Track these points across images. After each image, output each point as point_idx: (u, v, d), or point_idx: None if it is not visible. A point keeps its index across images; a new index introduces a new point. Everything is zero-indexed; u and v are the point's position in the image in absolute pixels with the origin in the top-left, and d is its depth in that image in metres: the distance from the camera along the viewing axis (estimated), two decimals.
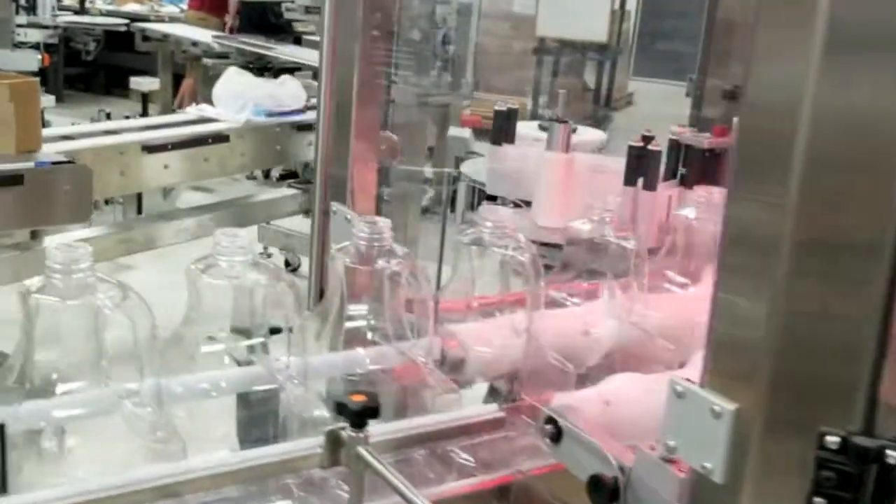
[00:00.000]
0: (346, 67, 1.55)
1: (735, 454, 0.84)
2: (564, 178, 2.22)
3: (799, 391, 0.82)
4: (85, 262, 0.97)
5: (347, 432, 0.95)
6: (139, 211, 4.42)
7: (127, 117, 5.82)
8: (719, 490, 0.86)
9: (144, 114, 6.74)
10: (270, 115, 4.13)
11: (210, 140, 3.92)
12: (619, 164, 2.23)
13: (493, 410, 1.20)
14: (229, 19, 7.15)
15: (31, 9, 7.84)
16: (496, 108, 2.45)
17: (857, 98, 0.73)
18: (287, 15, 6.43)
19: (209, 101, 4.23)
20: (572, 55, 7.25)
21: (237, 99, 4.11)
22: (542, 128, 2.60)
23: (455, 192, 3.15)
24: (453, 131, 4.76)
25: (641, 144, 2.11)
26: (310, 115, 4.20)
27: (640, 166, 2.11)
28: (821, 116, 0.75)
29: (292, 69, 5.43)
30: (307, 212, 4.68)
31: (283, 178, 5.78)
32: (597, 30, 6.93)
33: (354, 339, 1.23)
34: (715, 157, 2.16)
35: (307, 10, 5.61)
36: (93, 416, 1.03)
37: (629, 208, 2.12)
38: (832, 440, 0.80)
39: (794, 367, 0.81)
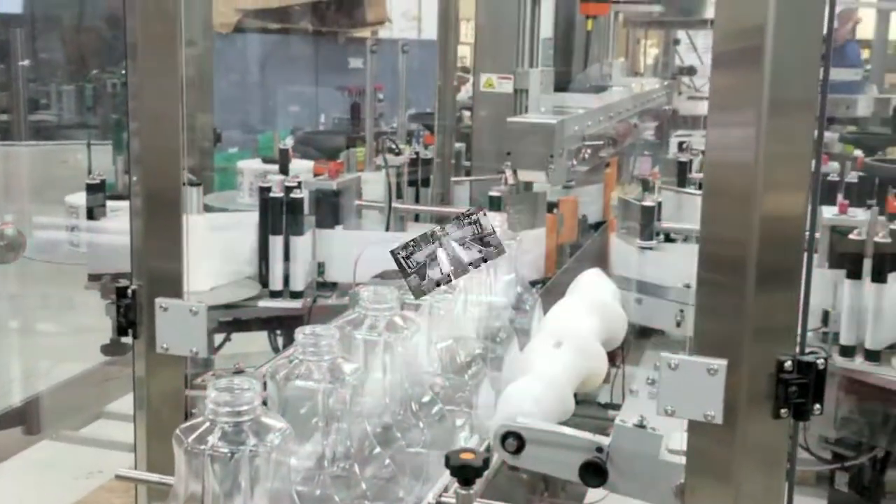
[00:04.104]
0: None
1: (726, 398, 1.13)
2: (207, 241, 2.20)
3: (759, 340, 1.13)
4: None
5: (457, 491, 0.99)
6: None
7: None
8: (718, 430, 1.13)
9: None
10: None
11: None
12: (251, 217, 2.31)
13: None
14: None
15: None
16: (89, 181, 2.32)
17: None
18: None
19: None
20: None
21: None
22: None
23: None
24: None
25: (282, 194, 2.23)
26: None
27: (282, 214, 2.22)
28: None
29: None
30: None
31: None
32: None
33: None
34: (339, 196, 2.37)
35: None
36: None
37: (279, 253, 2.24)
38: (788, 364, 1.14)
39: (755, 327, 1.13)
